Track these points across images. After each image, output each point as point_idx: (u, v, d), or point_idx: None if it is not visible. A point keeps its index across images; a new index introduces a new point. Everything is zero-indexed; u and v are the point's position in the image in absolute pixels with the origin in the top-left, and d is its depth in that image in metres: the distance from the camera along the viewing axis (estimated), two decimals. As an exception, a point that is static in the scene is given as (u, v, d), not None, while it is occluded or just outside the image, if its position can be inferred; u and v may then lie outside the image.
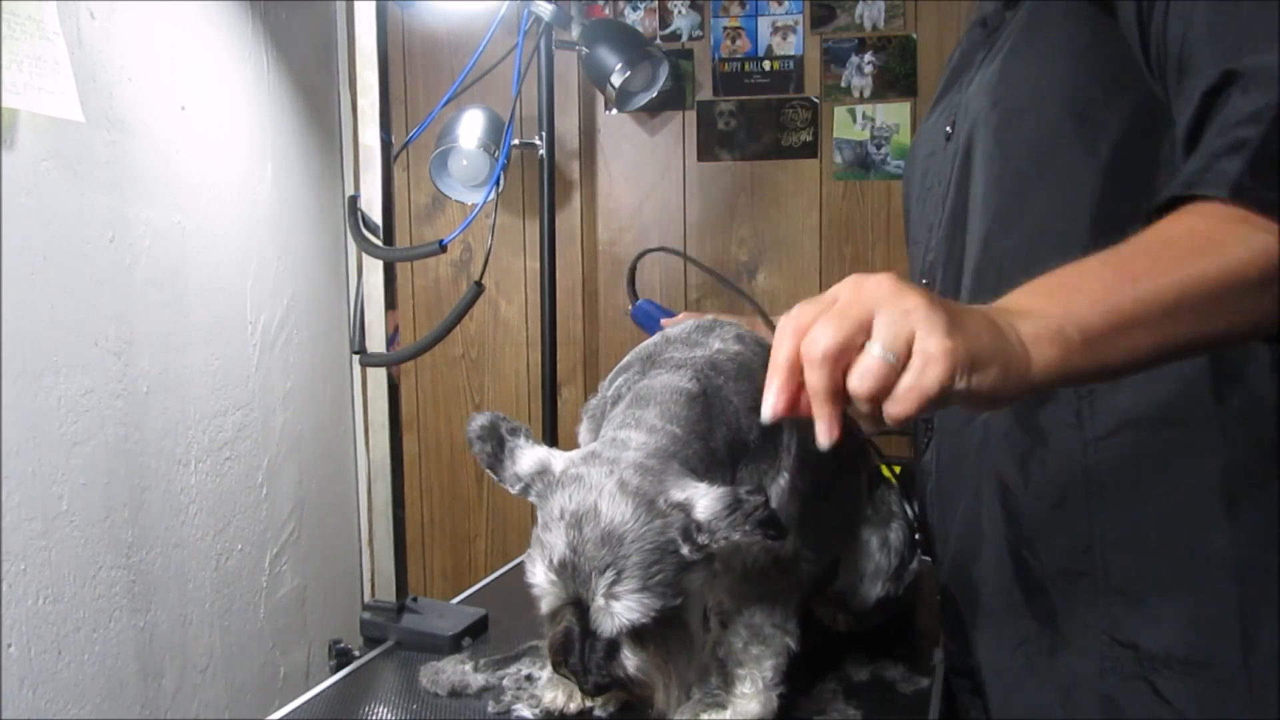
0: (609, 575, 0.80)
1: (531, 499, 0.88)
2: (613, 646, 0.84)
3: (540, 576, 0.84)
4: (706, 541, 0.81)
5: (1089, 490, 0.90)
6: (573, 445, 0.96)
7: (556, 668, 0.88)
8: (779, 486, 0.98)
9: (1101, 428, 0.89)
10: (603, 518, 0.81)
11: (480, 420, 0.91)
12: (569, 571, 0.82)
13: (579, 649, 0.84)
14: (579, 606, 0.83)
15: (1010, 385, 0.61)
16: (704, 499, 0.82)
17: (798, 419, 0.98)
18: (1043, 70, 0.90)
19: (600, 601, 0.81)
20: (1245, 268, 0.64)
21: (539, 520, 0.86)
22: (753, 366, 0.99)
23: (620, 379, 1.00)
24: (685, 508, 0.82)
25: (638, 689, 0.86)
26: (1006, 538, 0.96)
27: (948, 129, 1.03)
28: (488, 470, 0.91)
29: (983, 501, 0.98)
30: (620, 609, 0.81)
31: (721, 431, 0.93)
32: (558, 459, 0.89)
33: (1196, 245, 0.66)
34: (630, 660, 0.84)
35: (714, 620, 1.03)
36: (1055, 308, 0.64)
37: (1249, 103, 0.68)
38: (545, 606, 0.85)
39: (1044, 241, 0.90)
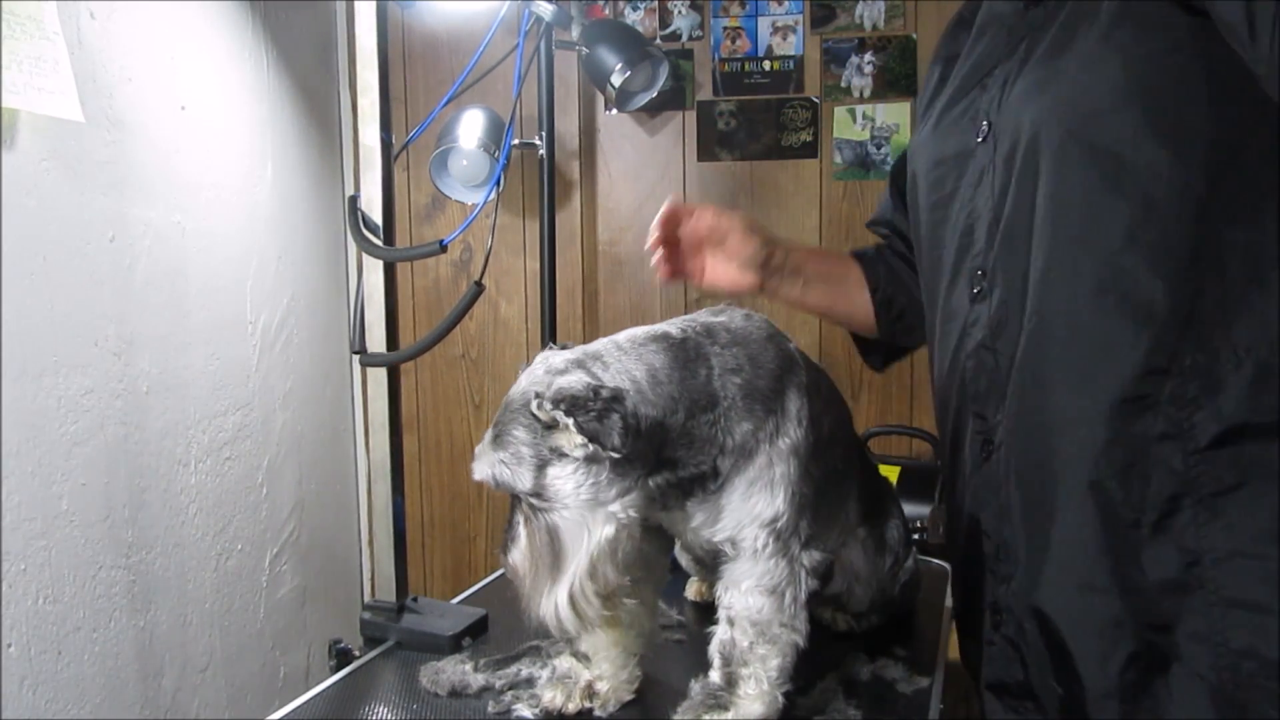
0: (492, 431, 0.94)
1: None
2: (516, 529, 0.96)
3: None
4: (534, 410, 0.90)
5: (1196, 502, 0.88)
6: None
7: None
8: (779, 449, 0.99)
9: (1204, 438, 0.87)
10: (511, 391, 0.95)
11: None
12: (491, 433, 0.95)
13: (507, 522, 0.97)
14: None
15: None
16: (564, 380, 0.91)
17: (812, 398, 1.03)
18: (1124, 72, 0.88)
19: (477, 449, 0.95)
20: None
21: None
22: (751, 339, 1.01)
23: None
24: (537, 393, 0.91)
25: (509, 573, 0.98)
26: (1108, 552, 0.93)
27: (984, 128, 1.01)
28: None
29: (1075, 515, 0.94)
30: (484, 463, 0.94)
31: (681, 375, 0.96)
32: None
33: None
34: (516, 545, 0.96)
35: (721, 615, 1.03)
36: None
37: None
38: (476, 472, 0.96)
39: (1128, 244, 0.89)
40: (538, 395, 0.90)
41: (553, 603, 0.94)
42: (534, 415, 0.91)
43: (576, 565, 0.93)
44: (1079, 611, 0.95)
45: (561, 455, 0.92)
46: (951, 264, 1.06)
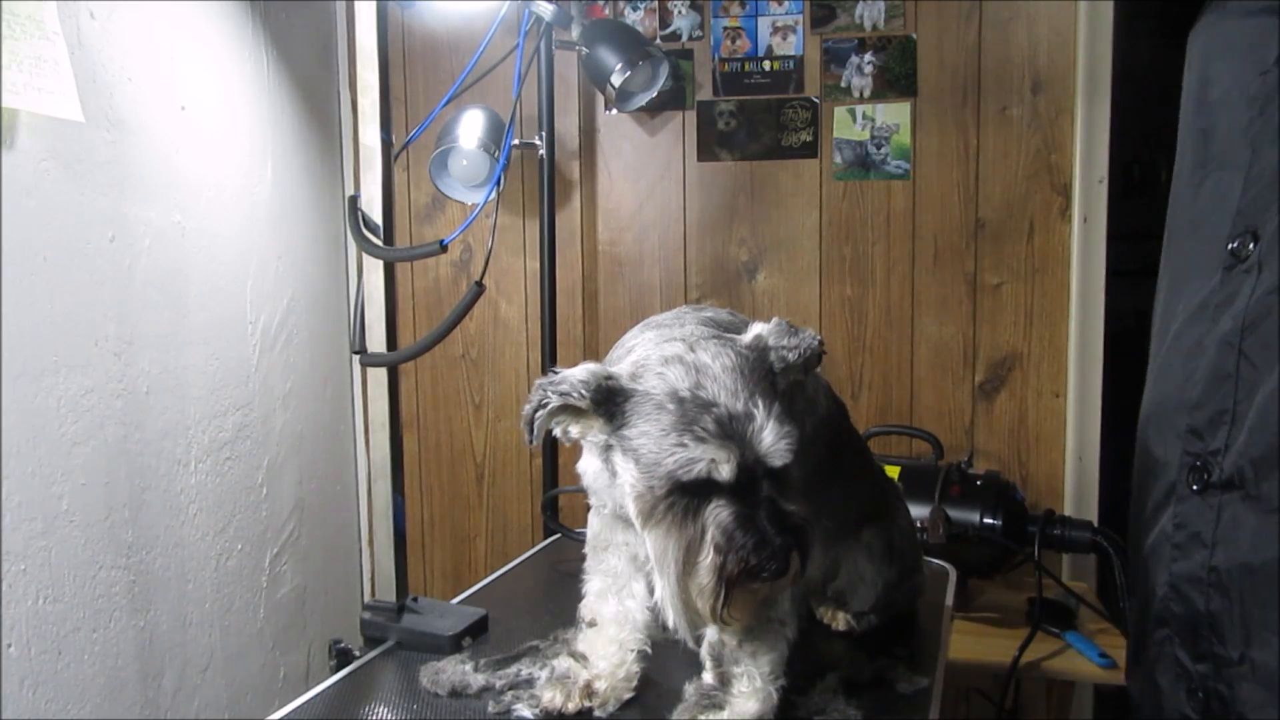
0: (761, 403, 0.84)
1: (606, 435, 0.89)
2: (777, 506, 0.85)
3: (705, 448, 0.83)
4: (787, 355, 0.89)
5: None
6: (575, 446, 0.96)
7: (734, 573, 0.83)
8: None
9: None
10: (717, 371, 0.86)
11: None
12: (727, 424, 0.83)
13: (758, 522, 0.84)
14: (741, 473, 0.84)
15: None
16: (766, 329, 0.92)
17: (793, 397, 0.96)
18: None
19: (770, 431, 0.83)
20: None
21: (636, 417, 0.87)
22: (735, 326, 1.02)
23: (628, 342, 1.00)
24: (760, 339, 0.91)
25: (807, 537, 0.86)
26: None
27: None
28: (546, 407, 0.88)
29: None
30: (784, 433, 0.84)
31: None
32: (610, 366, 0.91)
33: None
34: (793, 512, 0.86)
35: None
36: None
37: None
38: (726, 473, 0.83)
39: None
40: (784, 349, 0.89)
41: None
42: (773, 371, 0.88)
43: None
44: None
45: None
46: (1208, 200, 0.77)
